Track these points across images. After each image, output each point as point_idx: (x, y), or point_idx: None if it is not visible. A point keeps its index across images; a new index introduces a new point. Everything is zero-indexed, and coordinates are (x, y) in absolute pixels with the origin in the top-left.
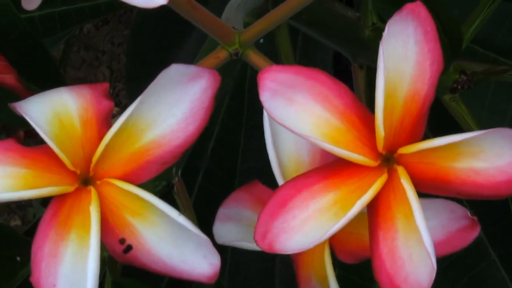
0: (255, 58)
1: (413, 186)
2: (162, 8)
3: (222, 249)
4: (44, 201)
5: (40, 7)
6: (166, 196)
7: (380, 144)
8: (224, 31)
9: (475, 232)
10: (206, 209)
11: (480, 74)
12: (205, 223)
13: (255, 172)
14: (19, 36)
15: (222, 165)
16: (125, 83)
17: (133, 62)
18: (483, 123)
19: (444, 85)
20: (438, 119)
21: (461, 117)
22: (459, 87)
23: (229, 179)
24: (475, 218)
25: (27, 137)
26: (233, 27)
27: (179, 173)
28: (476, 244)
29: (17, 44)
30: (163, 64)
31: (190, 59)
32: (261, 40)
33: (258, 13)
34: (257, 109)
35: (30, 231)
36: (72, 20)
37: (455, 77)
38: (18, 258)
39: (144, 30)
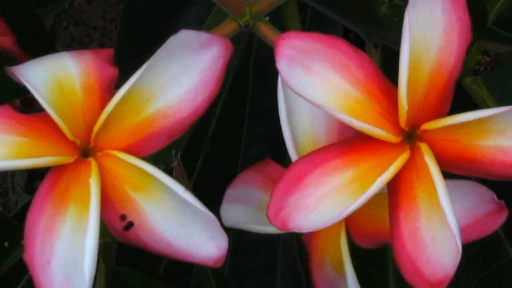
0: (266, 31)
1: (437, 164)
2: None
3: None
4: (27, 188)
5: None
6: None
7: (403, 119)
8: (235, 1)
9: (502, 217)
10: (206, 196)
11: (504, 55)
12: None
13: (260, 159)
14: (12, 4)
15: (223, 150)
16: (116, 62)
17: (125, 40)
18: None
19: (465, 67)
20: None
21: (482, 101)
22: (481, 68)
23: (231, 166)
24: (502, 201)
25: (24, 106)
26: None
27: (179, 157)
28: (493, 241)
29: (10, 12)
30: (158, 42)
31: None
32: (267, 18)
33: None
34: (263, 90)
35: (17, 216)
36: None
37: (478, 58)
38: (6, 244)
39: (139, 5)
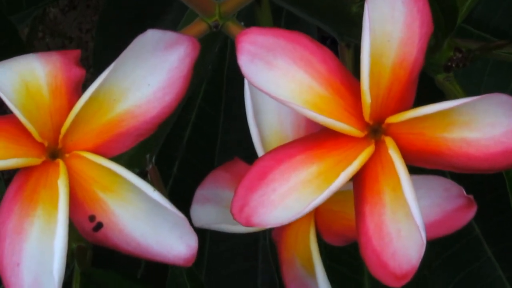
0: (236, 30)
1: (401, 157)
2: None
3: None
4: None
5: None
6: None
7: (367, 113)
8: (203, 1)
9: (471, 212)
10: (182, 202)
11: (475, 51)
12: None
13: None
14: None
15: (199, 155)
16: (93, 73)
17: (101, 50)
18: None
19: (438, 64)
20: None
21: (455, 98)
22: (453, 65)
23: (206, 171)
24: (471, 196)
25: None
26: None
27: (153, 161)
28: (471, 241)
29: None
30: None
31: None
32: (242, 23)
33: None
34: (238, 95)
35: None
36: None
37: (450, 55)
38: None
39: (114, 15)
